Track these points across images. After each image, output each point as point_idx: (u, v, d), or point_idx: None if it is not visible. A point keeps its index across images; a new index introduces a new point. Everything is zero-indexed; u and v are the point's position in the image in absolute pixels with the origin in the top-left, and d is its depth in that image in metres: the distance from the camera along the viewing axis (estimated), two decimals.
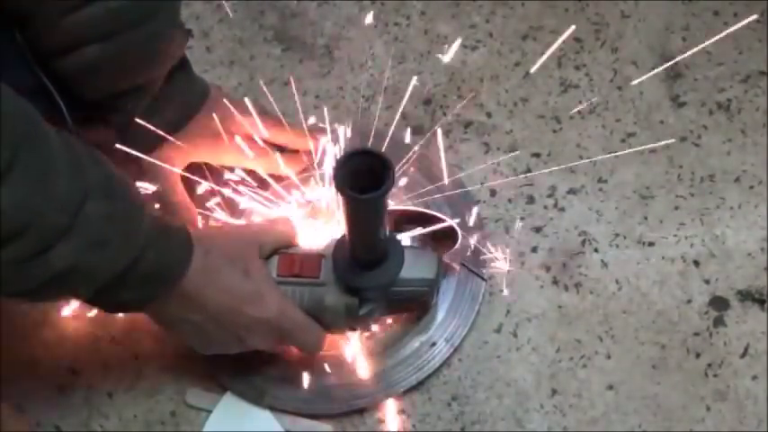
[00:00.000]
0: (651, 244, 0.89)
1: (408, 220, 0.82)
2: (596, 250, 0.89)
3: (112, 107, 0.78)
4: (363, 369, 0.83)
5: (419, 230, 0.83)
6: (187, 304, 0.72)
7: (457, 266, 0.86)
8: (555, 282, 0.88)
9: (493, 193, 0.93)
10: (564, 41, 0.95)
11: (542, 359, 0.84)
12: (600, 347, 0.84)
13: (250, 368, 0.83)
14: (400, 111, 0.90)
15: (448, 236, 0.83)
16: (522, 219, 0.90)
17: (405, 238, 0.82)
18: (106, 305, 0.70)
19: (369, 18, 1.02)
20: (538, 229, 0.91)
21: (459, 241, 0.85)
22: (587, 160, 0.92)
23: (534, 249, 0.89)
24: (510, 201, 0.92)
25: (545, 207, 0.92)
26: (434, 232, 0.83)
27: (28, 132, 0.58)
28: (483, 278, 0.86)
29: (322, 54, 1.03)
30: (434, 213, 0.86)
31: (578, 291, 0.87)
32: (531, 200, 0.92)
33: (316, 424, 0.82)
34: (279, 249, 0.79)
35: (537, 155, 0.94)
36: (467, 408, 0.82)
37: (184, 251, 0.70)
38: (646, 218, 0.90)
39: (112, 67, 0.74)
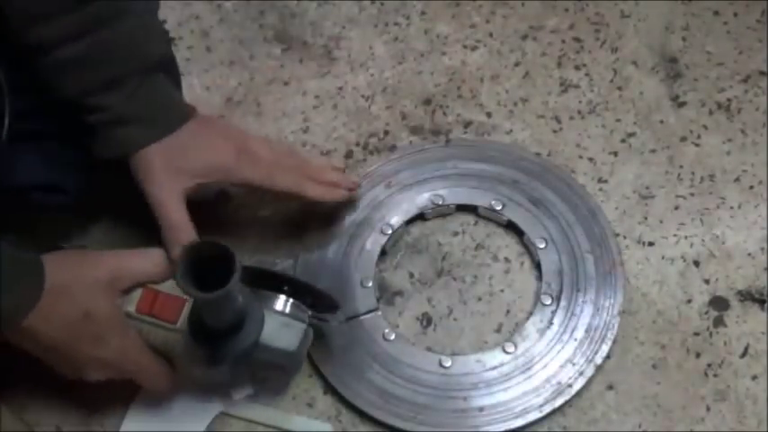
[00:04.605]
0: (651, 244, 0.89)
1: (289, 281, 0.76)
2: None
3: (87, 107, 0.76)
4: None
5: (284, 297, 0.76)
6: (22, 335, 0.70)
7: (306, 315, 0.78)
8: None
9: None
10: (564, 41, 0.95)
11: None
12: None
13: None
14: (400, 111, 0.90)
15: (326, 303, 0.78)
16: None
17: (281, 301, 0.76)
18: None
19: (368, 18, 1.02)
20: None
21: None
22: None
23: None
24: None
25: None
26: (313, 298, 0.77)
27: None
28: (322, 333, 0.81)
29: (322, 54, 1.03)
30: (303, 281, 0.79)
31: None
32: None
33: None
34: (140, 284, 0.74)
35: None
36: None
37: (31, 298, 0.68)
38: (646, 218, 0.90)
39: (84, 65, 0.74)
